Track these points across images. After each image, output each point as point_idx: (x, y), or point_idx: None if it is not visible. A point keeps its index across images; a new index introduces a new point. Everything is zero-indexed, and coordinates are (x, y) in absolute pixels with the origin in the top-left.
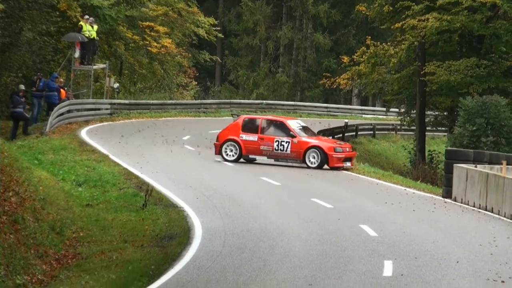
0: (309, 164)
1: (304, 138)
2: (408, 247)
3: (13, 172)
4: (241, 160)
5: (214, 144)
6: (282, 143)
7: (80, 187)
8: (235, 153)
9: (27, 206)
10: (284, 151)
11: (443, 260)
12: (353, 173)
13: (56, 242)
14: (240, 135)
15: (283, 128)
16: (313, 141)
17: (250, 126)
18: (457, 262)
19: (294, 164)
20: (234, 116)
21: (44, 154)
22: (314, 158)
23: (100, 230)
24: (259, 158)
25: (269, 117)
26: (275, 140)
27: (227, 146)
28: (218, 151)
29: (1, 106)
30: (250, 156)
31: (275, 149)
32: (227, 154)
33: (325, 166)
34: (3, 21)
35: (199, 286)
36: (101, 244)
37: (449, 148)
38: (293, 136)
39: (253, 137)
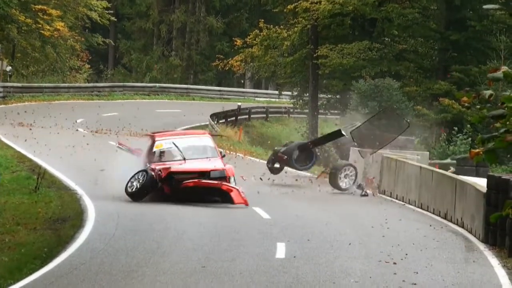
0: None
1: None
2: (301, 230)
3: None
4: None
5: None
6: None
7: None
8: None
9: None
10: None
11: (336, 242)
12: (246, 157)
13: None
14: None
15: None
16: None
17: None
18: (349, 244)
19: None
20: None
21: None
22: None
23: None
24: None
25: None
26: None
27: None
28: None
29: None
30: None
31: None
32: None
33: None
34: None
35: (92, 268)
36: None
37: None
38: None
39: None
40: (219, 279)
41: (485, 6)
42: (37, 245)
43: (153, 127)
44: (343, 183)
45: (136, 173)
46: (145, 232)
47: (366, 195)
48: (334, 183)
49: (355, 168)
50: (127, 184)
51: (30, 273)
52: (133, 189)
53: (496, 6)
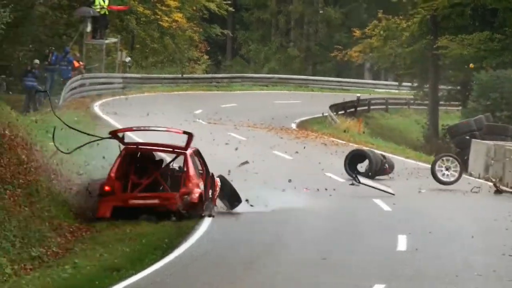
0: None
1: None
2: (422, 223)
3: (26, 146)
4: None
5: None
6: None
7: (94, 160)
8: None
9: (41, 179)
10: None
11: (457, 235)
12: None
13: (69, 215)
14: None
15: None
16: None
17: None
18: (472, 237)
19: None
20: None
21: (56, 128)
22: None
23: None
24: None
25: None
26: None
27: None
28: None
29: (14, 80)
30: None
31: None
32: None
33: None
34: None
35: (213, 259)
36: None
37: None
38: None
39: None
40: (339, 272)
41: None
42: (158, 235)
43: (271, 118)
44: (445, 177)
45: None
46: (264, 223)
47: (476, 191)
48: (435, 177)
49: (456, 159)
50: None
51: (151, 264)
52: None
53: None
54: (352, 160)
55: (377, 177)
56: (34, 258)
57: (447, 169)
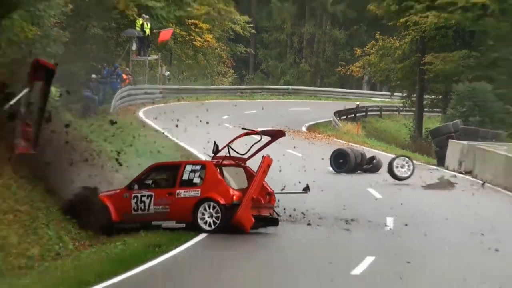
0: None
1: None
2: (406, 207)
3: (83, 145)
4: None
5: None
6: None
7: (139, 158)
8: None
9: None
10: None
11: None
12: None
13: None
14: None
15: None
16: None
17: None
18: (446, 219)
19: None
20: None
21: (108, 131)
22: None
23: None
24: None
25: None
26: None
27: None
28: None
29: (73, 91)
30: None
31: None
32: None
33: None
34: (72, 19)
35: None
36: None
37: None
38: None
39: None
40: (339, 247)
41: None
42: None
43: (285, 122)
44: (400, 172)
45: None
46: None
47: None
48: (391, 173)
49: (410, 159)
50: None
51: (187, 241)
52: None
53: None
54: (336, 158)
55: (359, 172)
56: (92, 236)
57: (402, 167)
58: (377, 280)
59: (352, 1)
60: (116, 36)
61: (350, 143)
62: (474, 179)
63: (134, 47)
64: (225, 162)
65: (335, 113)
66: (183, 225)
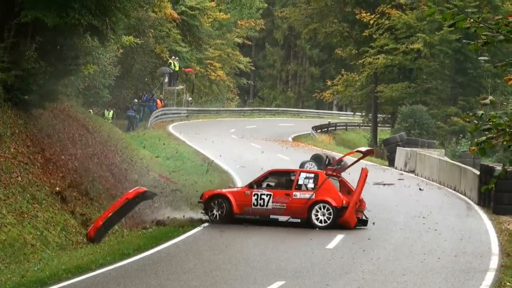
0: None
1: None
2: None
3: (128, 151)
4: (265, 144)
5: None
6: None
7: (168, 160)
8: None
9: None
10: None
11: (386, 204)
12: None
13: None
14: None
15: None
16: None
17: None
18: (396, 205)
19: None
20: None
21: (146, 140)
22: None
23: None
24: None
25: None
26: None
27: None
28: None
29: (121, 112)
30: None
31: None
32: None
33: None
34: (122, 59)
35: (221, 225)
36: None
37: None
38: None
39: None
40: (314, 234)
41: (480, 58)
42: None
43: (276, 134)
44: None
45: None
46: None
47: (401, 179)
48: None
49: (316, 163)
50: None
51: (189, 231)
52: None
53: (487, 58)
54: (314, 160)
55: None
56: (132, 225)
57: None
58: (346, 252)
59: (324, 46)
60: (153, 72)
61: (324, 149)
62: (416, 176)
63: (166, 80)
64: (329, 173)
65: (313, 128)
66: (298, 220)
